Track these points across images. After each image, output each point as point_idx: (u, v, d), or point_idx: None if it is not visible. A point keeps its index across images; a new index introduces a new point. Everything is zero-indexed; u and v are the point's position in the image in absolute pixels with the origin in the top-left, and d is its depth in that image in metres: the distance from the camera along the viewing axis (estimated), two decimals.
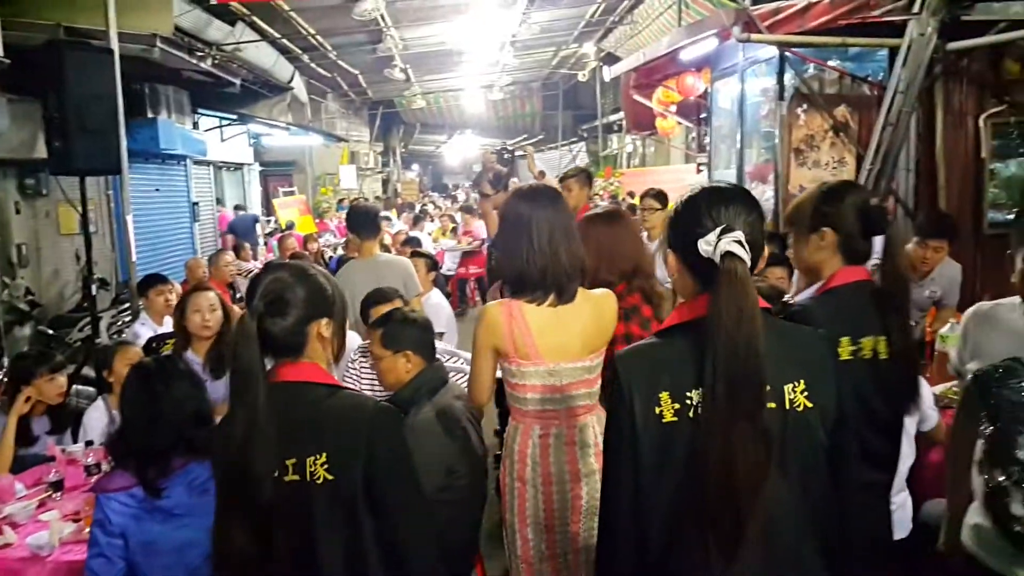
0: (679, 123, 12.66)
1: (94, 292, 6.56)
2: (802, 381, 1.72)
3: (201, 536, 2.50)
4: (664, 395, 1.69)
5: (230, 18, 10.66)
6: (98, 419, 4.08)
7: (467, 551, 3.16)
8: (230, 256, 8.48)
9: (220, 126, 14.86)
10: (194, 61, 10.05)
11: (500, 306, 2.66)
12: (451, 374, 3.52)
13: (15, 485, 3.55)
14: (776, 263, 4.65)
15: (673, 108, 11.75)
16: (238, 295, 8.47)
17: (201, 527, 2.51)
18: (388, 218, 15.49)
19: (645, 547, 1.72)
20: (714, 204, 1.75)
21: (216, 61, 10.83)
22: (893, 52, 6.52)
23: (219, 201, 15.50)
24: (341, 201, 20.86)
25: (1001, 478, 2.15)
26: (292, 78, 14.73)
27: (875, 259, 4.90)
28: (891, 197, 6.75)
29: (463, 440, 3.03)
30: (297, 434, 1.84)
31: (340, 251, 12.66)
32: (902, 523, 3.04)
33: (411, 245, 9.73)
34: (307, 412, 1.88)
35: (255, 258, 12.20)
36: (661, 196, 5.81)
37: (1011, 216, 6.97)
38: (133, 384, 2.64)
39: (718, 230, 1.68)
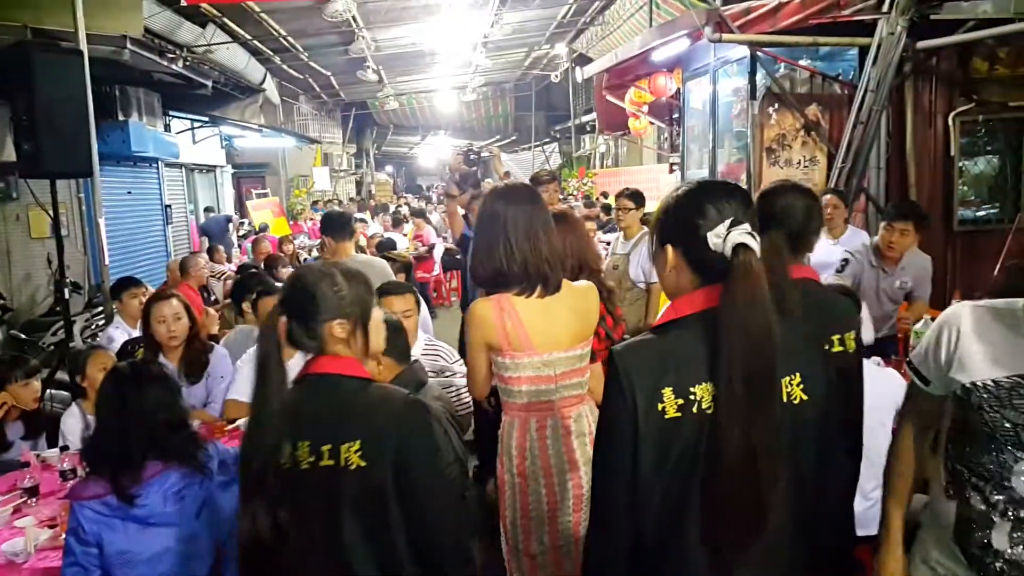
0: (651, 123, 12.74)
1: (67, 296, 6.48)
2: (798, 374, 1.73)
3: (176, 544, 2.49)
4: (667, 391, 1.66)
5: (201, 20, 10.59)
6: (74, 425, 4.03)
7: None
8: (203, 259, 8.41)
9: (192, 128, 14.74)
10: (165, 63, 9.96)
11: (489, 302, 2.66)
12: (448, 389, 3.51)
13: None
14: None
15: (645, 108, 11.82)
16: (212, 297, 8.41)
17: (176, 535, 2.49)
18: (363, 220, 15.45)
19: (639, 544, 1.72)
20: (717, 198, 1.73)
21: (187, 63, 10.75)
22: (863, 51, 6.62)
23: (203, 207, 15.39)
24: (315, 203, 20.77)
25: (982, 507, 1.85)
26: (264, 80, 14.65)
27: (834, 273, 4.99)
28: (863, 195, 6.84)
29: (443, 441, 3.03)
30: (332, 422, 1.94)
31: (315, 253, 12.61)
32: (878, 519, 3.05)
33: (386, 248, 9.70)
34: (342, 402, 1.97)
35: (229, 260, 12.11)
36: (635, 196, 5.84)
37: (980, 213, 7.08)
38: (108, 390, 2.62)
39: (727, 222, 1.67)
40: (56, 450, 3.86)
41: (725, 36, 6.75)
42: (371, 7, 12.35)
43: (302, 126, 21.80)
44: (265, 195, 19.03)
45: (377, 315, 2.12)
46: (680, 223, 1.78)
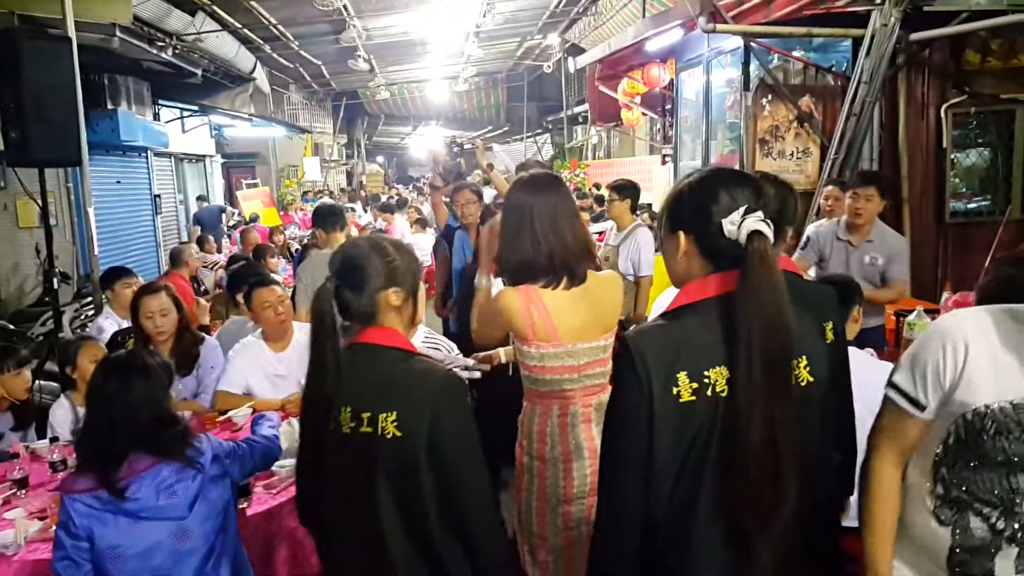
0: (644, 114, 12.72)
1: (56, 286, 6.43)
2: (804, 357, 1.77)
3: (168, 538, 2.46)
4: (682, 375, 1.67)
5: (190, 8, 10.53)
6: (63, 416, 4.00)
7: None
8: (194, 249, 8.38)
9: (181, 117, 14.66)
10: (154, 51, 9.90)
11: (516, 291, 2.66)
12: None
13: None
14: None
15: (638, 99, 11.80)
16: (202, 287, 8.37)
17: (169, 529, 2.47)
18: (353, 208, 15.42)
19: (648, 534, 1.73)
20: (729, 185, 1.76)
21: (177, 51, 10.70)
22: (857, 43, 6.61)
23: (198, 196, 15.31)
24: (305, 193, 20.70)
25: (986, 533, 1.72)
26: (254, 69, 14.58)
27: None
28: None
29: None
30: (373, 391, 2.00)
31: (306, 243, 12.58)
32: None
33: None
34: (383, 372, 2.03)
35: (219, 251, 12.06)
36: (619, 188, 5.83)
37: (972, 205, 7.10)
38: (97, 383, 2.58)
39: (741, 210, 1.71)
40: (46, 441, 3.83)
41: (719, 27, 6.74)
42: None
43: (292, 116, 21.72)
44: (255, 185, 18.94)
45: (423, 286, 2.22)
46: (693, 210, 1.80)
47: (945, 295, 4.91)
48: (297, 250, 12.15)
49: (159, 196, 13.21)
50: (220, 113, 15.19)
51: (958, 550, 1.76)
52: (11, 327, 7.68)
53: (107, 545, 2.42)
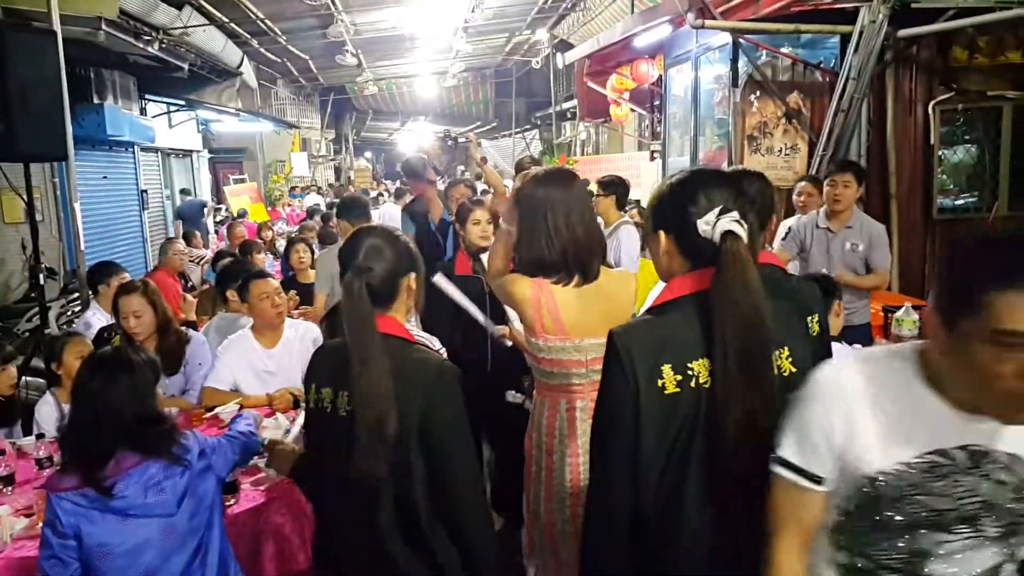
0: (633, 110, 12.72)
1: (42, 282, 6.39)
2: (786, 348, 1.84)
3: (157, 535, 2.45)
4: (666, 367, 1.74)
5: (177, 1, 10.45)
6: (49, 413, 3.97)
7: None
8: (181, 244, 8.32)
9: (168, 112, 14.57)
10: (140, 45, 9.83)
11: (529, 281, 2.70)
12: None
13: None
14: None
15: (627, 95, 11.80)
16: (189, 283, 8.33)
17: (157, 526, 2.45)
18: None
19: (636, 523, 1.79)
20: (707, 186, 1.83)
21: (163, 45, 10.63)
22: (845, 39, 6.63)
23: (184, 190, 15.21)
24: (293, 189, 20.63)
25: None
26: (241, 63, 14.51)
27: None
28: None
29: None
30: None
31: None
32: None
33: None
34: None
35: (206, 246, 12.00)
36: (603, 184, 5.84)
37: (959, 202, 7.13)
38: (81, 380, 2.56)
39: (716, 211, 1.78)
40: (32, 438, 3.80)
41: (707, 22, 6.75)
42: None
43: (280, 111, 21.62)
44: (243, 181, 18.86)
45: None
46: (672, 210, 1.88)
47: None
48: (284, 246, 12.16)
49: (146, 191, 13.14)
50: (207, 108, 15.10)
51: None
52: None
53: (95, 543, 2.41)
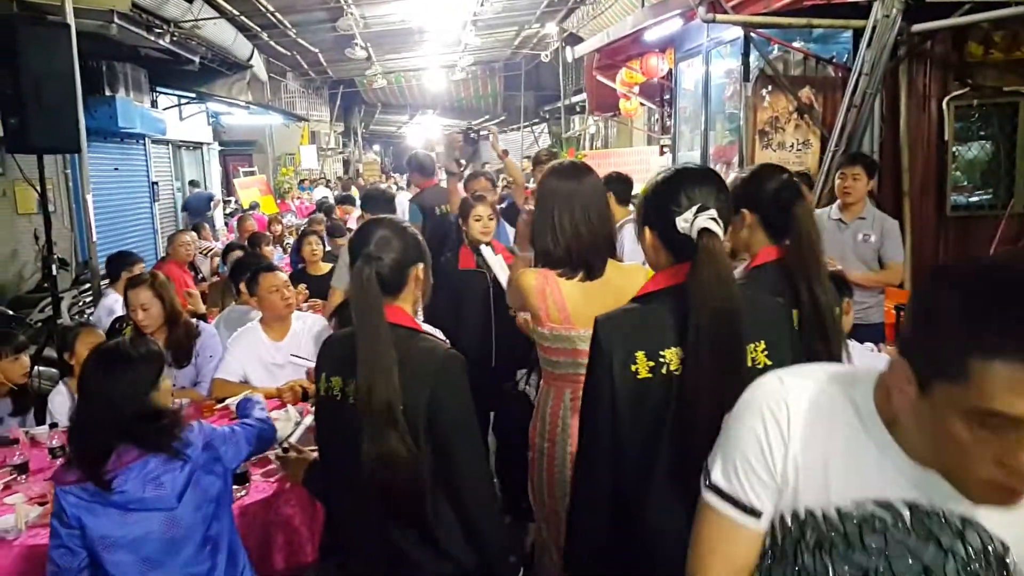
0: (642, 104, 12.68)
1: (54, 272, 6.43)
2: (763, 342, 1.93)
3: (158, 528, 2.46)
4: (640, 354, 1.88)
5: None
6: (61, 403, 4.00)
7: None
8: (190, 236, 8.36)
9: (179, 104, 14.62)
10: (152, 38, 9.88)
11: (535, 271, 2.73)
12: None
13: None
14: None
15: (636, 89, 11.76)
16: (199, 275, 8.35)
17: (158, 520, 2.46)
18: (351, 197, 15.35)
19: (617, 487, 1.93)
20: (688, 185, 1.95)
21: (174, 38, 10.67)
22: (858, 34, 6.58)
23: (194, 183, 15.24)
24: (302, 182, 20.66)
25: None
26: (251, 56, 14.53)
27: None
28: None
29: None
30: None
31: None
32: None
33: None
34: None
35: (215, 239, 12.04)
36: (604, 180, 5.80)
37: (973, 199, 7.08)
38: (84, 374, 2.58)
39: (694, 209, 1.89)
40: (45, 427, 3.83)
41: (719, 16, 6.72)
42: None
43: (289, 104, 21.65)
44: (252, 173, 18.90)
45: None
46: (656, 207, 2.00)
47: None
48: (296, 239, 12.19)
49: (157, 183, 13.22)
50: (217, 100, 15.14)
51: None
52: (10, 313, 7.70)
53: (98, 535, 2.43)
